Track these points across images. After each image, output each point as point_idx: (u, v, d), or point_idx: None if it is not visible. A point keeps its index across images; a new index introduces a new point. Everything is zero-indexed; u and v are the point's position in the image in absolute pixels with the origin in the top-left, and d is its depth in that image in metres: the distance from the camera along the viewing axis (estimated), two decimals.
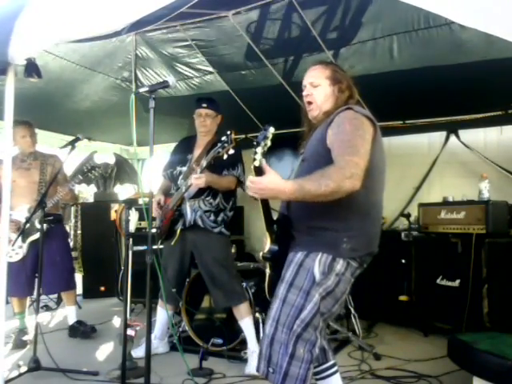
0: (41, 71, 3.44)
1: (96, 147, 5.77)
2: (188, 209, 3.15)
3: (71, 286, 3.86)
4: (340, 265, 1.77)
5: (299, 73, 4.05)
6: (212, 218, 3.14)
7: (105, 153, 6.03)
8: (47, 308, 4.88)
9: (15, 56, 2.43)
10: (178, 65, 4.41)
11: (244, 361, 3.08)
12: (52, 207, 3.54)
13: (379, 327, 4.02)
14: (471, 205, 3.55)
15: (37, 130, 3.86)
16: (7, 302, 3.10)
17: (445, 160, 4.52)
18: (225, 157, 2.75)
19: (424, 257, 3.87)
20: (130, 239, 3.07)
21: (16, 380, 2.77)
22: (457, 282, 3.59)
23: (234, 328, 3.21)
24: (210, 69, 4.41)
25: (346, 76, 2.00)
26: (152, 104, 2.13)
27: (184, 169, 3.22)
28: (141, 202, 4.66)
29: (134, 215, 3.10)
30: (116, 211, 5.32)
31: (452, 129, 4.45)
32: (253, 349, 3.01)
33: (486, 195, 3.57)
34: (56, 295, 4.85)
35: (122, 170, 6.06)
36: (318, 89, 1.96)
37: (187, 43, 4.09)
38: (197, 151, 3.26)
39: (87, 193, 6.74)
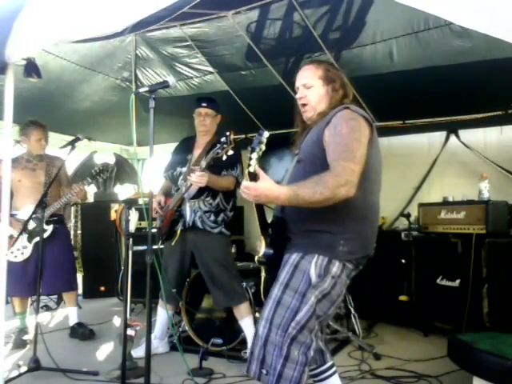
0: (40, 71, 3.47)
1: (96, 147, 5.79)
2: (188, 209, 3.15)
3: (73, 286, 3.85)
4: (336, 267, 1.75)
5: None
6: (212, 218, 3.15)
7: (105, 153, 6.04)
8: (47, 308, 4.87)
9: (13, 55, 2.42)
10: (177, 65, 4.42)
11: (244, 361, 3.05)
12: (60, 208, 3.55)
13: (379, 327, 4.02)
14: (471, 205, 3.55)
15: None
16: (7, 302, 3.10)
17: (445, 160, 4.52)
18: (224, 157, 2.76)
19: (424, 257, 3.86)
20: (130, 239, 3.06)
21: (16, 380, 2.77)
22: (457, 282, 3.59)
23: (234, 328, 3.21)
24: (210, 69, 4.42)
25: (339, 74, 1.96)
26: (152, 104, 2.13)
27: (184, 169, 3.22)
28: (141, 202, 4.66)
29: (134, 215, 3.09)
30: (116, 211, 5.32)
31: (452, 129, 4.44)
32: None
33: (485, 195, 3.57)
34: (56, 295, 4.85)
35: (122, 169, 6.06)
36: (311, 90, 1.92)
37: (187, 43, 4.09)
38: (196, 151, 3.26)
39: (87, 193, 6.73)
